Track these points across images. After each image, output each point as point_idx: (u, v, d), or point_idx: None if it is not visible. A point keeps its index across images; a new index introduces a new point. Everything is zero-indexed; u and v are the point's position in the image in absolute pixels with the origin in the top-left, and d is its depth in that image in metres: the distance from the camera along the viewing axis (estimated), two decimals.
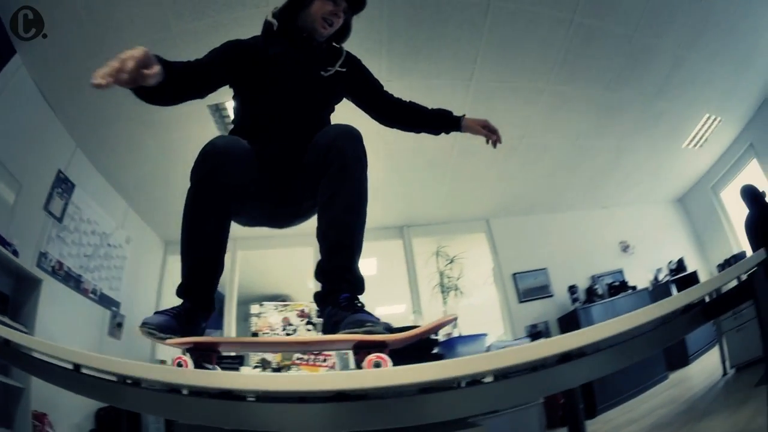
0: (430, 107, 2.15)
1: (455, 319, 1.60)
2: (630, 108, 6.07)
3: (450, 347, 3.20)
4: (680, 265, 8.17)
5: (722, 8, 4.99)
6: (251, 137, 1.71)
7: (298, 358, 4.31)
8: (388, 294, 7.92)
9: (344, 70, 1.98)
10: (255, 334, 4.79)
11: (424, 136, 2.06)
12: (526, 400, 2.93)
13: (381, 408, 1.10)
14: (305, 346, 1.58)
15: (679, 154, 7.81)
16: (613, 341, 1.28)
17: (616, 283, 7.30)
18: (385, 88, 2.12)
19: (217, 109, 4.60)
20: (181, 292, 1.60)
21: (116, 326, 5.26)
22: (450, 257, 7.16)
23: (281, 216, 1.98)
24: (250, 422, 1.12)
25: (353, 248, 1.61)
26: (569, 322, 6.57)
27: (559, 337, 1.16)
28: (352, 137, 1.64)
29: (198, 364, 1.44)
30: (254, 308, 4.85)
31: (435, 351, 3.00)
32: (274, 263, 7.70)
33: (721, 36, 5.46)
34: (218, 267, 1.65)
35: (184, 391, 1.22)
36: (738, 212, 7.32)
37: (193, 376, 1.22)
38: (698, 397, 4.50)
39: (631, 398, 5.57)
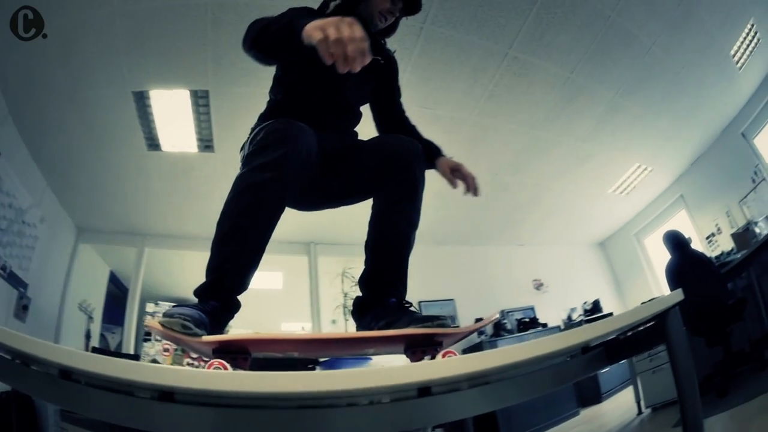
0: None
1: (500, 318, 1.69)
2: (556, 148, 6.27)
3: (333, 366, 3.16)
4: (596, 306, 8.45)
5: (668, 62, 5.27)
6: (301, 117, 1.67)
7: (188, 363, 4.34)
8: (293, 310, 7.89)
9: (390, 62, 2.19)
10: (148, 334, 4.69)
11: None
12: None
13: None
14: (368, 344, 1.53)
15: (603, 199, 8.09)
16: (492, 377, 1.25)
17: (526, 320, 7.60)
18: None
19: (141, 97, 4.49)
20: (209, 288, 1.50)
21: (22, 308, 5.15)
22: (355, 279, 7.04)
23: (309, 199, 2.00)
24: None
25: (407, 258, 1.77)
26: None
27: (413, 365, 1.12)
28: (421, 154, 1.83)
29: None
30: (149, 306, 4.76)
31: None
32: (181, 265, 7.45)
33: (664, 89, 5.73)
34: (259, 260, 1.58)
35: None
36: (661, 260, 7.64)
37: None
38: None
39: None
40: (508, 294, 8.22)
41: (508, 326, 7.44)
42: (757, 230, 4.83)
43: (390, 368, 1.04)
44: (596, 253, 10.10)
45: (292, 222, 6.17)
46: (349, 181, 1.90)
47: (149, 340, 5.62)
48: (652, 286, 8.80)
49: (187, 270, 7.44)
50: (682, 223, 8.27)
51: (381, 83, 2.18)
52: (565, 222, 8.61)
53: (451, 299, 7.69)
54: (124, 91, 4.36)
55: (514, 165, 6.39)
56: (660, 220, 8.81)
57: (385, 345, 1.58)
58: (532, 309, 8.22)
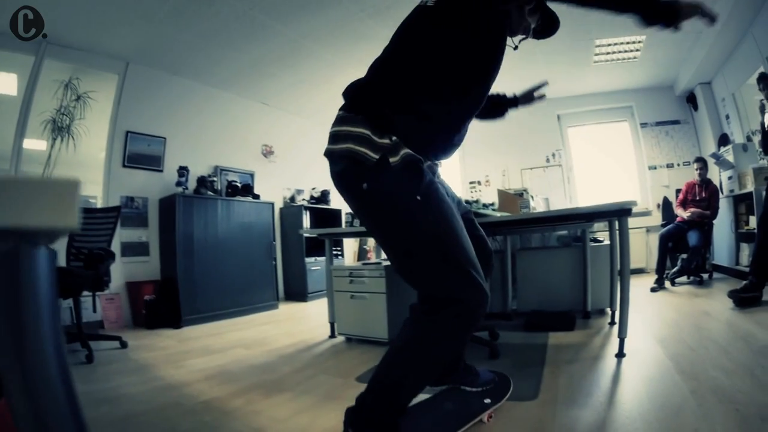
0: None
1: None
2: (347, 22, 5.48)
3: None
4: (324, 196, 8.25)
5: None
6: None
7: None
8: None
9: None
10: None
11: None
12: None
13: None
14: None
15: None
16: None
17: (238, 184, 6.79)
18: None
19: None
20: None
21: None
22: (80, 92, 5.91)
23: None
24: None
25: None
26: (168, 207, 5.97)
27: None
28: None
29: None
30: None
31: None
32: None
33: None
34: None
35: None
36: None
37: None
38: None
39: (215, 320, 5.80)
40: (231, 150, 7.39)
41: (216, 186, 6.53)
42: (533, 204, 4.55)
43: None
44: None
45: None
46: None
47: None
48: None
49: None
50: (450, 159, 8.46)
51: None
52: (326, 98, 7.70)
53: (164, 138, 6.48)
54: None
55: (281, 11, 5.17)
56: None
57: None
58: (251, 175, 7.61)
